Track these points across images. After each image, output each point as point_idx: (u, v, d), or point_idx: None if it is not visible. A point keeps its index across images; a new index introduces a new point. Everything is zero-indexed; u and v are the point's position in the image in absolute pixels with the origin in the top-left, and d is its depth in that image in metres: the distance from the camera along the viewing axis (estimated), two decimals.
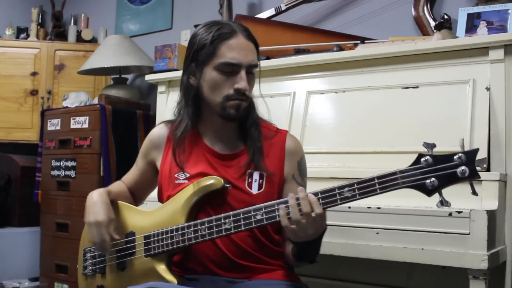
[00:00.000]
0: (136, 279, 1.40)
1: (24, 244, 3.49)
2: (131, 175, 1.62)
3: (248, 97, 1.40)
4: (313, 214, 1.20)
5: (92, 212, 1.42)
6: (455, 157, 1.14)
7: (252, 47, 1.39)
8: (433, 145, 1.17)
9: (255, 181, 1.40)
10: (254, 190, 1.40)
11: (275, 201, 1.27)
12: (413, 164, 1.18)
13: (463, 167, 1.13)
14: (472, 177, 1.14)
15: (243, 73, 1.36)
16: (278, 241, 1.44)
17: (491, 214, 1.50)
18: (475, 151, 1.15)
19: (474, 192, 1.16)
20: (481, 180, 1.61)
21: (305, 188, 1.42)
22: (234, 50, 1.35)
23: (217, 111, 1.40)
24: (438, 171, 1.15)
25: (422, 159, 1.17)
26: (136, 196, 1.63)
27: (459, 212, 1.49)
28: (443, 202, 1.17)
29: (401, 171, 1.18)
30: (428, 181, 1.16)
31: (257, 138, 1.42)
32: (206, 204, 1.39)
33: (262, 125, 1.47)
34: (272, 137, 1.47)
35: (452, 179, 1.15)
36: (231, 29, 1.37)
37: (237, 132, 1.46)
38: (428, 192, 1.17)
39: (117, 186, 1.60)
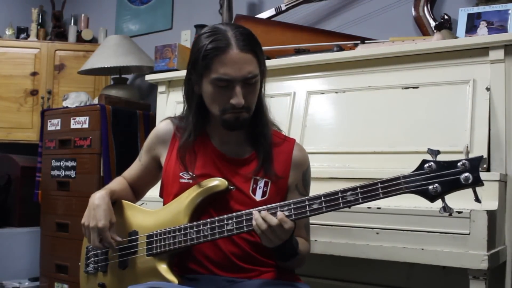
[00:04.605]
0: (138, 278, 1.41)
1: (24, 244, 3.49)
2: (133, 170, 1.61)
3: (248, 108, 1.37)
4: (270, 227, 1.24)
5: (93, 217, 1.41)
6: (459, 164, 1.14)
7: (249, 57, 1.33)
8: (437, 152, 1.17)
9: (259, 188, 1.41)
10: (258, 197, 1.40)
11: (277, 204, 1.28)
12: (417, 169, 1.18)
13: (466, 174, 1.13)
14: (476, 184, 1.14)
15: (237, 88, 1.32)
16: None
17: (491, 214, 1.49)
18: (479, 158, 1.14)
19: (477, 199, 1.16)
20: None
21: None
22: (227, 65, 1.31)
23: (218, 121, 1.40)
24: (441, 177, 1.15)
25: (426, 165, 1.17)
26: (137, 191, 1.63)
27: (459, 212, 1.49)
28: (446, 209, 1.16)
29: (404, 176, 1.18)
30: (431, 187, 1.16)
31: (267, 144, 1.42)
32: (209, 205, 1.39)
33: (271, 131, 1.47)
34: (279, 145, 1.47)
35: (455, 185, 1.15)
36: (226, 42, 1.31)
37: (246, 136, 1.46)
38: (431, 198, 1.17)
39: (119, 184, 1.59)
